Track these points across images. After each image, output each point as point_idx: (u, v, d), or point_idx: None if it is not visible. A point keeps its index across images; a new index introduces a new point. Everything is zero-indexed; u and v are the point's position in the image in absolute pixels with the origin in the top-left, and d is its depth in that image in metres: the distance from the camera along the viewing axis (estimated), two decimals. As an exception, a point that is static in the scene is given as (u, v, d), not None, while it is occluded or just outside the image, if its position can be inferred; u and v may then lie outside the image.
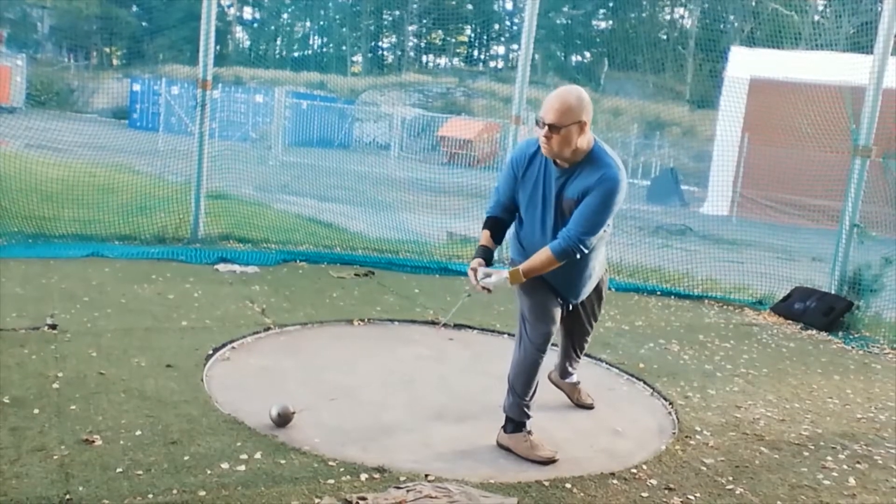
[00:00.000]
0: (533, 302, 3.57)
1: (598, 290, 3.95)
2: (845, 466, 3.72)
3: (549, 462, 3.44)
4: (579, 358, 4.21)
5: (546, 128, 3.21)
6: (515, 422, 3.56)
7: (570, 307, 3.79)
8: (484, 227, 3.60)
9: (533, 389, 3.58)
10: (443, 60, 50.47)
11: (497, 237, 3.60)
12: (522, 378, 3.54)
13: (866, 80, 6.99)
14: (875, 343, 6.41)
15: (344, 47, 45.46)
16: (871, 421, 4.45)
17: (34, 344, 4.23)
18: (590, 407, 4.24)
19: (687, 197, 20.18)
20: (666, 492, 3.24)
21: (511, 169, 3.52)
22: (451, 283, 7.06)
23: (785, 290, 7.38)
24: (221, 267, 6.62)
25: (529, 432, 3.54)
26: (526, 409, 3.56)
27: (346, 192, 11.54)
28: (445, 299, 6.35)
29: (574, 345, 4.14)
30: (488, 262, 3.51)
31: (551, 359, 3.92)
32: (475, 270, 3.46)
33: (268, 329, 5.05)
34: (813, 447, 3.94)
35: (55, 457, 2.97)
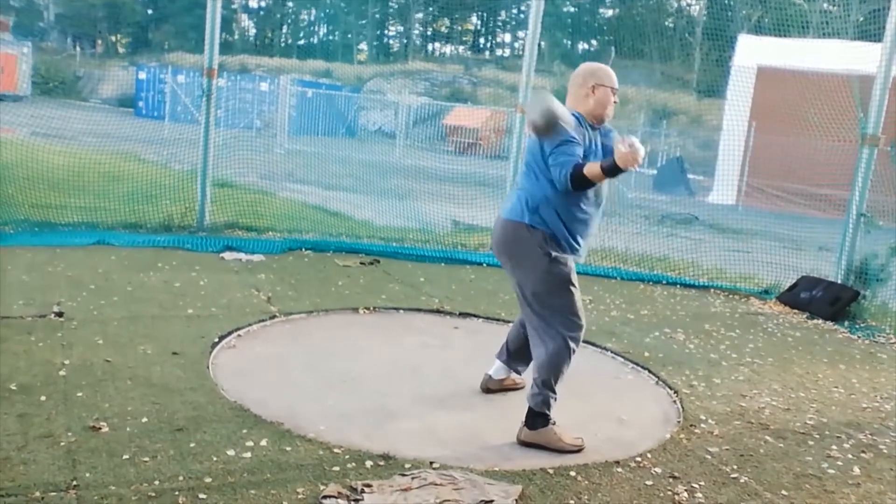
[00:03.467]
0: (573, 296, 3.55)
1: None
2: (850, 455, 3.72)
3: (580, 450, 3.45)
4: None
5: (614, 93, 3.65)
6: (545, 416, 3.52)
7: None
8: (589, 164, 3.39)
9: (561, 382, 3.58)
10: (449, 48, 50.38)
11: None
12: (555, 373, 3.52)
13: (875, 69, 6.94)
14: (881, 333, 6.39)
15: (350, 35, 45.40)
16: (877, 410, 4.44)
17: (41, 331, 4.25)
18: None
19: (693, 186, 20.12)
20: (670, 480, 3.25)
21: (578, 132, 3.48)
22: (457, 271, 7.06)
23: (791, 280, 7.36)
24: (227, 255, 6.64)
25: (554, 423, 3.54)
26: (554, 402, 3.55)
27: (351, 180, 11.54)
28: (451, 288, 6.36)
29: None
30: None
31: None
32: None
33: (273, 317, 5.06)
34: (818, 436, 3.94)
35: (62, 443, 2.99)
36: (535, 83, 8.08)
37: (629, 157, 3.16)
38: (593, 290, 6.83)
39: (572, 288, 3.56)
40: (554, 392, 3.54)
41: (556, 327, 3.53)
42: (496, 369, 4.17)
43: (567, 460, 3.33)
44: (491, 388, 4.15)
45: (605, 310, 6.18)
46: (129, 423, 3.22)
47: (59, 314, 4.57)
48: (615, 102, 3.65)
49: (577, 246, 3.57)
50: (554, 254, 3.52)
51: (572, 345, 3.54)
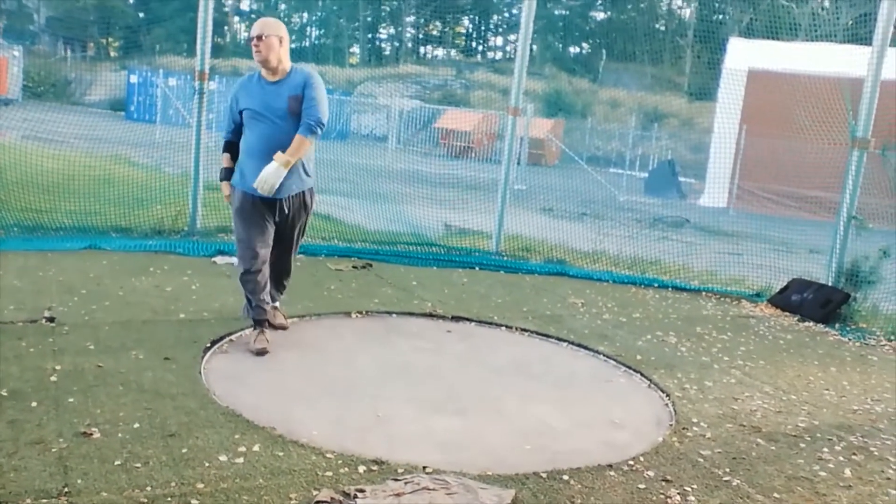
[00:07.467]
0: (250, 226, 4.44)
1: (305, 207, 4.61)
2: (841, 458, 3.74)
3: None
4: (284, 289, 4.97)
5: (255, 39, 4.30)
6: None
7: (280, 220, 4.50)
8: (224, 152, 4.58)
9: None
10: (440, 52, 50.39)
11: (235, 158, 4.54)
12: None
13: (865, 72, 6.99)
14: (872, 335, 6.42)
15: (341, 38, 45.34)
16: (868, 412, 4.47)
17: (32, 337, 4.23)
18: (283, 327, 4.91)
19: (685, 189, 20.18)
20: (663, 483, 3.25)
21: (233, 100, 4.48)
22: (449, 275, 7.06)
23: (782, 282, 7.39)
24: (219, 259, 6.62)
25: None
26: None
27: (343, 184, 11.51)
28: (443, 291, 6.36)
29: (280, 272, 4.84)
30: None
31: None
32: (231, 189, 4.50)
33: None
34: (809, 439, 3.95)
35: (53, 449, 2.97)
36: (526, 86, 8.10)
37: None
38: (585, 294, 6.84)
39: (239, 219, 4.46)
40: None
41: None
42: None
43: (560, 464, 3.33)
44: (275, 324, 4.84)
45: (598, 313, 6.19)
46: (121, 429, 3.21)
47: (51, 319, 4.55)
48: (255, 46, 4.30)
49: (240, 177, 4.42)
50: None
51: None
